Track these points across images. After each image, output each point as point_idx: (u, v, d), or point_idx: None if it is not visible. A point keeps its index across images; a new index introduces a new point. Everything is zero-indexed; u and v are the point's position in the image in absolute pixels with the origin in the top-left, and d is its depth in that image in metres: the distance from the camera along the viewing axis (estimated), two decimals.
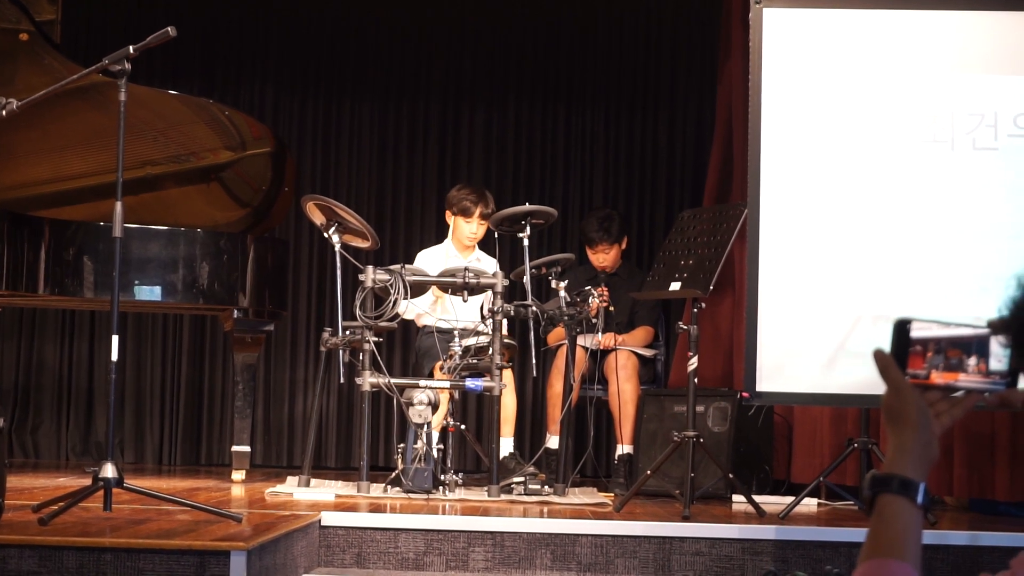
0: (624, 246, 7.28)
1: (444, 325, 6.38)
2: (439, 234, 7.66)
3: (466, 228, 6.83)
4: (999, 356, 1.69)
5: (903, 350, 1.68)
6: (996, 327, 1.69)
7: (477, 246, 6.95)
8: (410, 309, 6.09)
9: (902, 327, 1.68)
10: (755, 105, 5.48)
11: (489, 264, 6.78)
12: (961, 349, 1.69)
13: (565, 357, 6.15)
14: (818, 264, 5.41)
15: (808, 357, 5.37)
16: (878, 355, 1.68)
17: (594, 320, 6.09)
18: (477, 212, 6.80)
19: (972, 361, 1.69)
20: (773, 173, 5.44)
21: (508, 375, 6.36)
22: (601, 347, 6.65)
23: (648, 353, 7.10)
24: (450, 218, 6.87)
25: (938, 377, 1.69)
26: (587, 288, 6.19)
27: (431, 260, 6.71)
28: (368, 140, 8.74)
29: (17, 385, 8.49)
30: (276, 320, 6.85)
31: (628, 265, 7.42)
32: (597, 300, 6.07)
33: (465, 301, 6.17)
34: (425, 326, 6.73)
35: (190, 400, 8.57)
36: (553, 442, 6.65)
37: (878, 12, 5.53)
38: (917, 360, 1.68)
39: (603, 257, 7.19)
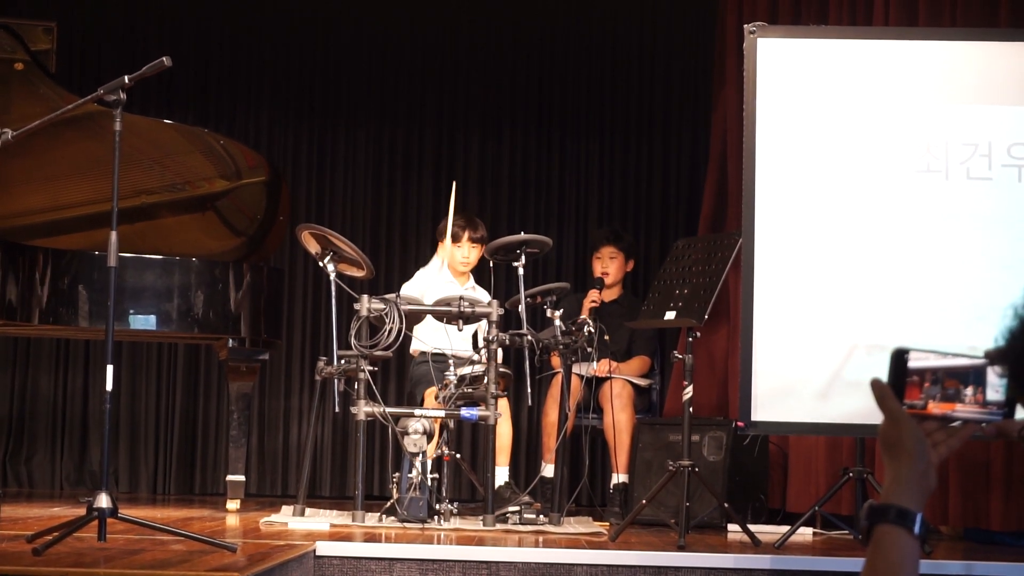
0: (630, 268, 7.28)
1: (439, 352, 6.37)
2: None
3: (458, 253, 6.85)
4: (996, 386, 1.70)
5: (900, 380, 1.68)
6: (993, 357, 1.69)
7: (472, 277, 6.96)
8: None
9: (900, 357, 1.68)
10: (749, 134, 5.49)
11: (481, 296, 6.78)
12: (958, 379, 1.69)
13: (560, 386, 6.14)
14: (813, 293, 5.41)
15: (803, 386, 5.36)
16: (875, 384, 1.68)
17: (589, 349, 6.08)
18: (466, 236, 6.83)
19: (969, 391, 1.69)
20: (768, 202, 5.45)
21: (503, 404, 6.35)
22: (596, 375, 6.64)
23: (643, 382, 7.09)
24: (442, 248, 6.87)
25: (935, 407, 1.69)
26: (582, 318, 6.19)
27: (428, 278, 6.74)
28: (363, 168, 8.74)
29: (11, 414, 8.46)
30: (271, 349, 6.83)
31: (628, 296, 7.40)
32: (589, 324, 6.05)
33: (460, 330, 6.17)
34: (421, 353, 6.72)
35: (184, 429, 8.54)
36: (548, 471, 6.64)
37: (873, 42, 5.55)
38: (914, 390, 1.68)
39: (607, 263, 7.17)
